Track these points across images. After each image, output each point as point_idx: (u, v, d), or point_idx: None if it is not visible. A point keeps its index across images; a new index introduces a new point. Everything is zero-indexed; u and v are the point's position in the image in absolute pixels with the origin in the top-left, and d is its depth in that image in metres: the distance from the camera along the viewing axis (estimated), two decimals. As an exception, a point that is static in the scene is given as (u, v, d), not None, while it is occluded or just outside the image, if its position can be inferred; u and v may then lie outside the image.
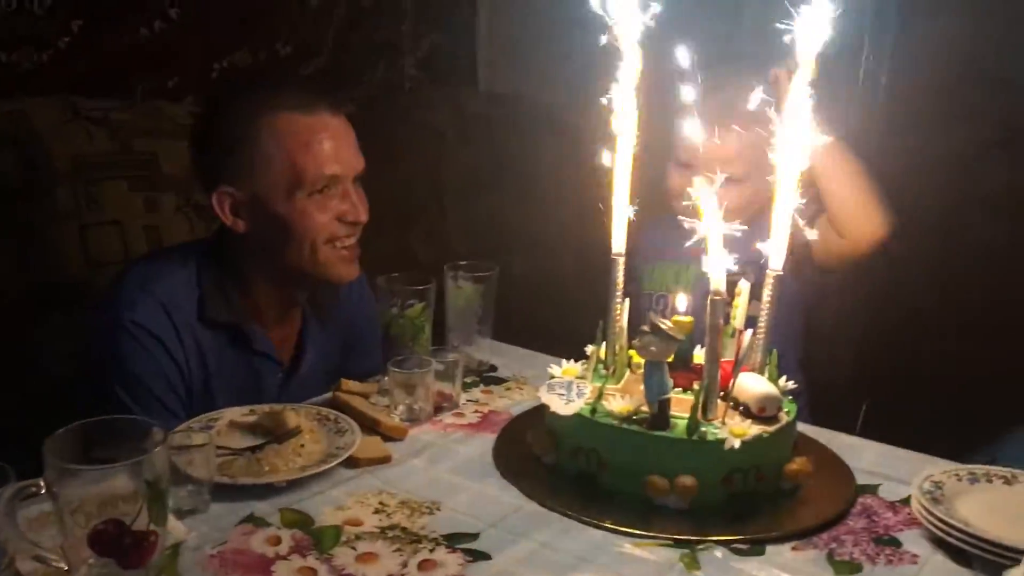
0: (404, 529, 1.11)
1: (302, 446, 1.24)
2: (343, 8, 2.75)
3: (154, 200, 2.10)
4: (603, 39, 1.28)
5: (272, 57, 2.55)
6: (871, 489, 1.25)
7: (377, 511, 1.15)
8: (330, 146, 1.45)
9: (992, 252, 2.81)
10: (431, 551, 1.07)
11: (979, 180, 2.93)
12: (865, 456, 1.34)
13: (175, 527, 1.06)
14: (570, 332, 1.45)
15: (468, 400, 1.50)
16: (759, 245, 1.22)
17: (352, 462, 1.25)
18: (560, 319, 2.26)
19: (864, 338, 2.52)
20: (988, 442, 1.64)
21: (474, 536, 1.10)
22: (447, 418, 1.43)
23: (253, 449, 1.23)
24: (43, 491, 0.93)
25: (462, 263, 1.58)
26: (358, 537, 1.09)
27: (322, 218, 1.46)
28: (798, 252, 1.36)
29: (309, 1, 2.65)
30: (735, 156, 1.71)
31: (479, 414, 1.46)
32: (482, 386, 1.57)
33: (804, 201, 1.23)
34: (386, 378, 1.44)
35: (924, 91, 2.78)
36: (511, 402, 1.51)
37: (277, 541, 1.07)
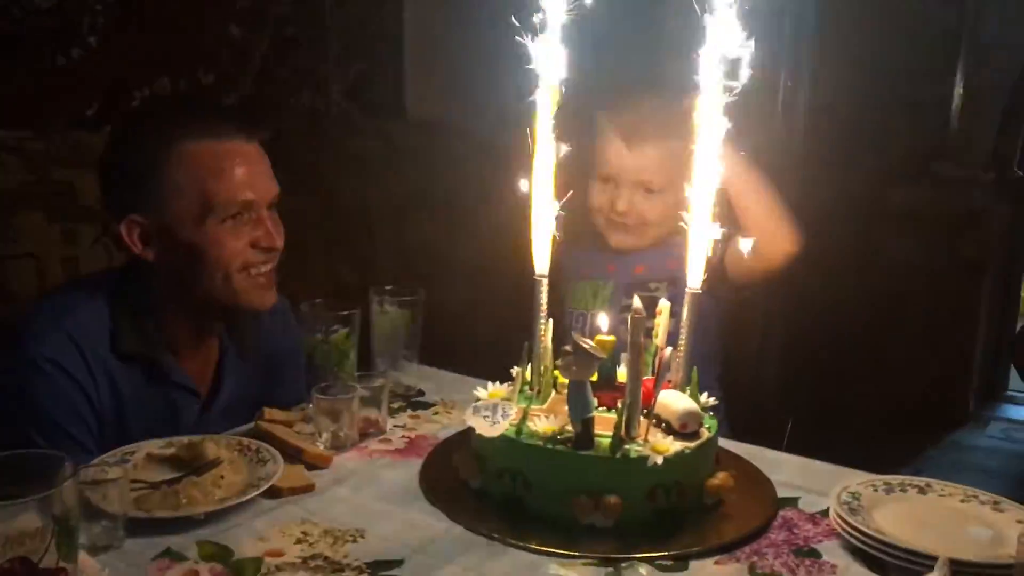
0: (327, 558, 1.09)
1: (222, 477, 1.22)
2: (267, 37, 2.73)
3: (72, 231, 2.05)
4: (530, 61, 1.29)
5: (194, 85, 2.52)
6: (791, 502, 1.28)
7: (299, 541, 1.13)
8: (242, 172, 1.43)
9: (903, 268, 2.91)
10: (354, 579, 1.05)
11: (891, 200, 3.04)
12: (785, 469, 1.37)
13: (88, 565, 1.02)
14: (499, 355, 1.46)
15: (395, 425, 1.49)
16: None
17: (274, 492, 1.22)
18: (488, 342, 2.26)
19: (787, 357, 2.58)
20: (909, 460, 1.69)
21: (399, 563, 1.09)
22: (373, 444, 1.42)
23: (170, 482, 1.20)
24: (-57, 530, 0.89)
25: (387, 287, 1.57)
26: (279, 568, 1.07)
27: (235, 245, 1.43)
28: (712, 270, 1.39)
29: (232, 29, 2.63)
30: (654, 167, 1.76)
31: (406, 439, 1.45)
32: (409, 411, 1.56)
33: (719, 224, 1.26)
34: (310, 405, 1.42)
35: (840, 116, 2.88)
36: (439, 426, 1.50)
37: (195, 575, 1.05)
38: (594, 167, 1.84)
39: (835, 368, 2.65)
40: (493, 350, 2.24)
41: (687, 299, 1.28)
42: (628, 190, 1.80)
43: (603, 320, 1.32)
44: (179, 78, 2.50)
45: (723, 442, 1.36)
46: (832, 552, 1.15)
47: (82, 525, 1.00)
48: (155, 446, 1.29)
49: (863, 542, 1.12)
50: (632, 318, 1.20)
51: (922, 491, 1.25)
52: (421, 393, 1.62)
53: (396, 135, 2.91)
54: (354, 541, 1.14)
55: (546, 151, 1.33)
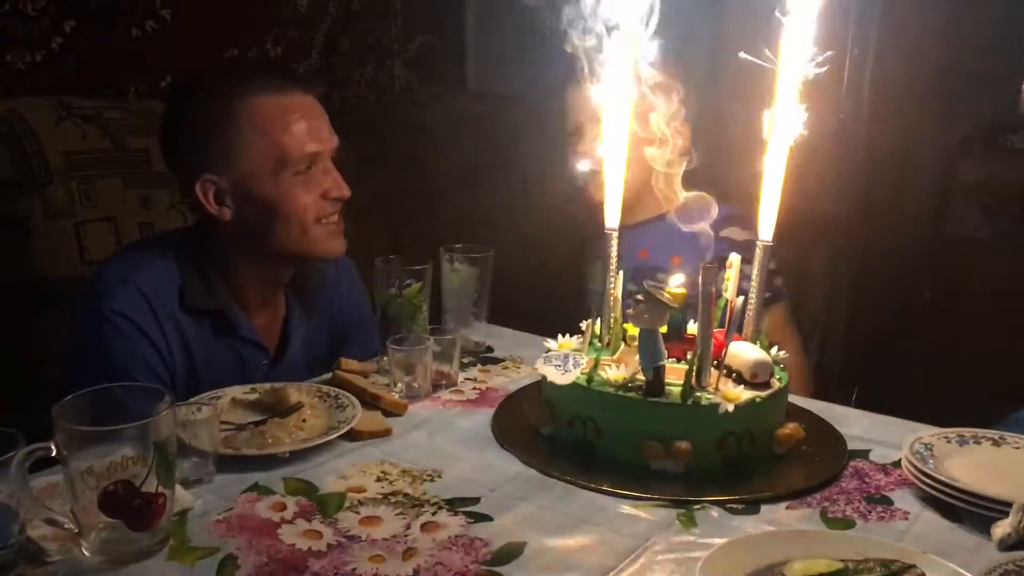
0: (406, 495, 1.13)
1: (304, 420, 1.26)
2: (333, 10, 2.78)
3: (147, 197, 2.11)
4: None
5: (262, 57, 2.58)
6: (862, 454, 1.28)
7: (379, 479, 1.17)
8: (308, 124, 1.47)
9: (974, 243, 2.86)
10: (433, 514, 1.09)
11: (962, 174, 2.98)
12: (857, 424, 1.37)
13: (182, 496, 1.08)
14: (562, 319, 1.48)
15: (466, 379, 1.52)
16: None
17: (354, 435, 1.26)
18: (551, 307, 2.29)
19: (853, 329, 2.56)
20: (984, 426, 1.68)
21: (475, 500, 1.13)
22: (445, 395, 1.45)
23: (256, 423, 1.25)
24: (53, 454, 0.95)
25: (457, 246, 1.60)
26: (361, 503, 1.11)
27: (308, 197, 1.47)
28: None
29: (299, 3, 2.68)
30: None
31: (477, 391, 1.48)
32: (479, 366, 1.59)
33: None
34: (385, 358, 1.46)
35: (909, 87, 2.83)
36: (508, 380, 1.53)
37: (282, 507, 1.09)
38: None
39: (902, 341, 2.63)
40: (555, 314, 2.26)
41: (758, 251, 1.29)
42: None
43: (677, 277, 1.33)
44: (247, 49, 2.56)
45: (792, 398, 1.36)
46: (904, 500, 1.15)
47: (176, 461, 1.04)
48: (240, 391, 1.35)
49: (936, 489, 1.12)
50: (703, 268, 1.21)
51: (996, 443, 1.25)
52: (490, 349, 1.66)
53: (457, 106, 2.93)
54: (432, 480, 1.17)
55: (618, 108, 1.34)
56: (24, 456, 0.93)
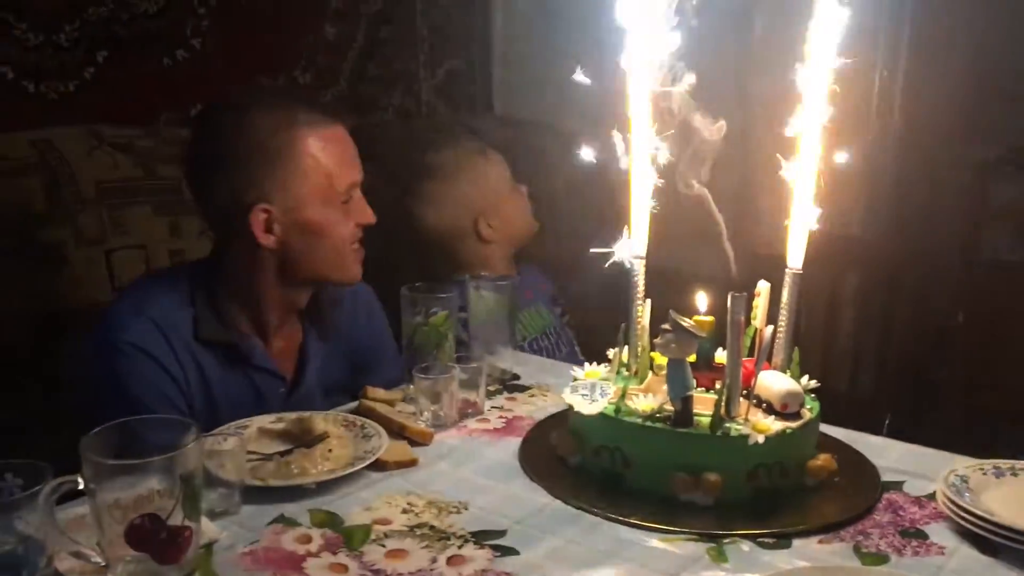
0: (432, 527, 1.12)
1: (330, 451, 1.26)
2: (361, 38, 2.80)
3: (178, 224, 2.13)
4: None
5: (291, 84, 2.60)
6: (896, 486, 1.26)
7: (405, 511, 1.16)
8: (350, 154, 1.53)
9: (1008, 265, 2.82)
10: (459, 547, 1.08)
11: (993, 195, 2.95)
12: (889, 455, 1.35)
13: (207, 527, 1.07)
14: (589, 341, 1.47)
15: (492, 407, 1.52)
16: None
17: (379, 465, 1.26)
18: (578, 329, 2.28)
19: (883, 351, 2.52)
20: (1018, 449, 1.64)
21: (501, 533, 1.12)
22: (472, 423, 1.45)
23: (282, 453, 1.24)
24: (80, 487, 0.95)
25: (483, 273, 1.60)
26: (387, 535, 1.10)
27: (348, 224, 1.53)
28: None
29: (327, 31, 2.71)
30: None
31: (503, 419, 1.47)
32: (506, 393, 1.58)
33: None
34: (411, 386, 1.45)
35: (938, 108, 2.80)
36: (535, 408, 1.52)
37: (308, 539, 1.09)
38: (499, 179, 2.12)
39: (935, 366, 2.59)
40: (583, 336, 2.26)
41: (787, 279, 1.28)
42: None
43: (702, 301, 1.32)
44: (277, 77, 2.58)
45: (826, 427, 1.34)
46: (940, 534, 1.13)
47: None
48: (266, 421, 1.35)
49: (973, 523, 1.10)
50: (732, 296, 1.20)
51: (1033, 476, 1.22)
52: (516, 377, 1.65)
53: (484, 131, 2.94)
54: (458, 512, 1.16)
55: (642, 137, 1.33)
56: (51, 489, 0.93)
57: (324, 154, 1.48)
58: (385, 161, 2.48)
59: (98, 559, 0.98)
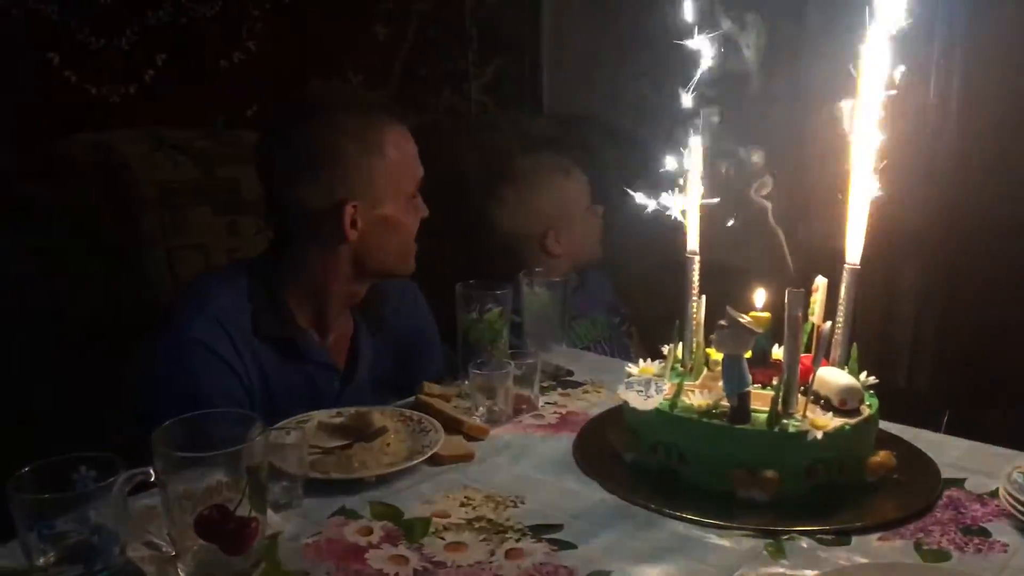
0: (490, 521, 1.14)
1: (388, 444, 1.28)
2: (410, 38, 2.83)
3: (235, 223, 2.17)
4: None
5: (344, 85, 2.63)
6: (957, 483, 1.24)
7: (463, 504, 1.18)
8: (416, 153, 1.58)
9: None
10: (517, 540, 1.09)
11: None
12: (950, 452, 1.33)
13: (272, 519, 1.10)
14: (646, 339, 1.47)
15: (546, 403, 1.53)
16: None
17: (437, 459, 1.28)
18: (638, 326, 2.28)
19: (944, 346, 2.48)
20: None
21: (558, 527, 1.13)
22: (527, 419, 1.46)
23: (343, 447, 1.27)
24: (152, 479, 0.98)
25: (537, 269, 1.61)
26: (446, 528, 1.12)
27: (415, 218, 1.60)
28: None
29: (377, 32, 2.74)
30: None
31: (558, 415, 1.48)
32: (559, 390, 1.59)
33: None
34: (466, 382, 1.47)
35: (999, 96, 2.74)
36: (589, 404, 1.53)
37: (369, 532, 1.11)
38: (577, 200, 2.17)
39: (993, 360, 2.54)
40: (641, 333, 2.25)
41: (845, 275, 1.27)
42: None
43: (760, 296, 1.32)
44: (330, 78, 2.62)
45: (885, 424, 1.33)
46: (1002, 532, 1.11)
47: (265, 484, 1.07)
48: (325, 415, 1.37)
49: (1038, 522, 1.08)
50: (789, 292, 1.20)
51: (1100, 473, 1.20)
52: (570, 373, 1.65)
53: (533, 128, 2.94)
54: (515, 506, 1.18)
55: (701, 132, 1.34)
56: (125, 481, 0.96)
57: (400, 153, 1.55)
58: (461, 160, 2.53)
59: (168, 548, 1.01)
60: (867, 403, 1.24)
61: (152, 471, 0.98)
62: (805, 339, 1.27)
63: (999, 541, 1.09)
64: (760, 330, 1.21)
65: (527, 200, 2.23)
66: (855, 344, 1.29)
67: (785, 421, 1.18)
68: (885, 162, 1.24)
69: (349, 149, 1.50)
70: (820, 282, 1.31)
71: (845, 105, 1.25)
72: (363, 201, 1.51)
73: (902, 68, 1.21)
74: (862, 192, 1.24)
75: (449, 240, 2.32)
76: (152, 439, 0.98)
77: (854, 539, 1.10)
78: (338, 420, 1.35)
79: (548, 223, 2.21)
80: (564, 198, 2.24)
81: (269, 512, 1.09)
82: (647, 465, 1.26)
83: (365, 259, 1.57)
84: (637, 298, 2.33)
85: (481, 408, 1.43)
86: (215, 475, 0.99)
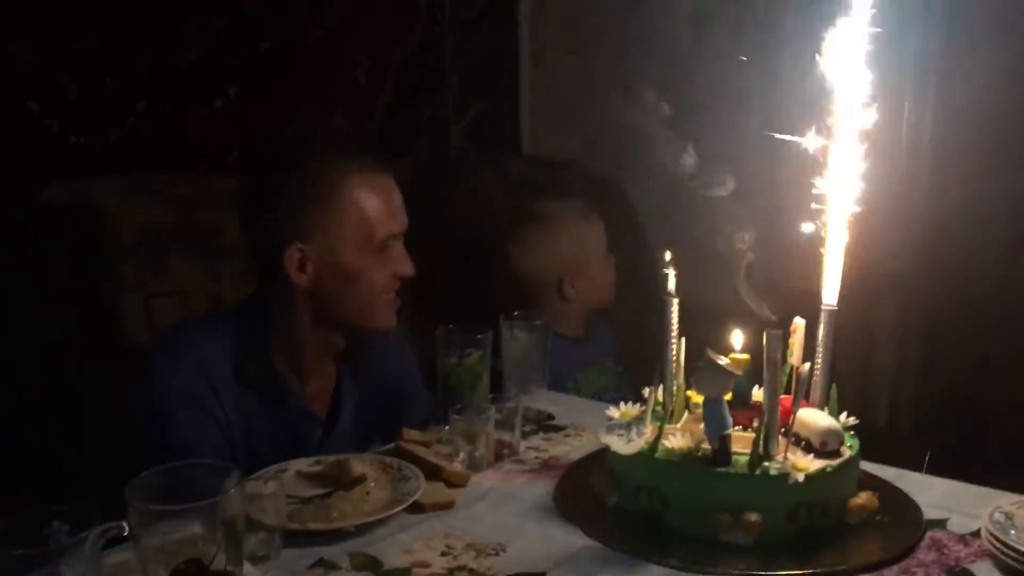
0: (471, 570, 1.12)
1: (368, 493, 1.27)
2: (391, 84, 2.85)
3: (215, 269, 2.16)
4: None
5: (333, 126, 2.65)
6: (939, 524, 1.24)
7: (444, 553, 1.16)
8: (394, 204, 1.53)
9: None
10: (499, 590, 1.08)
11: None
12: (932, 492, 1.33)
13: (249, 572, 1.08)
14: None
15: (528, 447, 1.52)
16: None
17: (417, 507, 1.26)
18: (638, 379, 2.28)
19: (924, 385, 2.49)
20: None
21: (540, 575, 1.11)
22: (508, 465, 1.45)
23: (321, 497, 1.25)
24: (125, 533, 0.96)
25: (516, 313, 1.61)
26: (427, 578, 1.10)
27: (381, 272, 1.52)
28: None
29: (359, 78, 2.76)
30: None
31: (539, 460, 1.47)
32: (541, 434, 1.58)
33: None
34: (446, 427, 1.46)
35: (970, 139, 2.78)
36: (570, 448, 1.52)
37: (348, 583, 1.09)
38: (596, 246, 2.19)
39: (975, 398, 2.55)
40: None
41: (823, 316, 1.28)
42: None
43: (738, 338, 1.32)
44: (310, 123, 2.63)
45: (864, 464, 1.33)
46: (986, 573, 1.11)
47: (242, 535, 1.05)
48: (304, 464, 1.36)
49: (1019, 561, 1.08)
50: (768, 334, 1.20)
51: (1081, 512, 1.20)
52: (551, 417, 1.65)
53: (512, 171, 2.96)
54: (496, 554, 1.16)
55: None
56: (97, 536, 0.94)
57: (368, 202, 1.50)
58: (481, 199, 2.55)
59: (143, 604, 0.98)
60: (848, 444, 1.24)
61: (126, 524, 0.96)
62: (784, 380, 1.28)
63: (983, 583, 1.09)
64: (739, 372, 1.21)
65: (545, 243, 2.25)
66: (834, 385, 1.29)
67: (766, 463, 1.18)
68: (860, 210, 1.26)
69: (302, 191, 1.48)
70: (798, 323, 1.31)
71: (820, 145, 1.27)
72: (314, 246, 1.48)
73: (875, 109, 1.23)
74: (838, 233, 1.25)
75: (443, 283, 2.33)
76: (126, 491, 0.97)
77: (838, 582, 1.10)
78: (317, 469, 1.33)
79: (564, 268, 2.22)
80: (582, 243, 2.26)
81: (246, 564, 1.07)
82: (630, 510, 1.25)
83: (326, 308, 1.53)
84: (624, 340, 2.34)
85: (462, 454, 1.42)
86: (190, 528, 0.97)
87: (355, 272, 1.50)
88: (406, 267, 1.55)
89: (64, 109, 2.17)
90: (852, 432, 1.28)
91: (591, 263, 2.26)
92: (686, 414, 1.34)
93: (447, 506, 1.29)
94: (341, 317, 1.55)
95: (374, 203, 1.50)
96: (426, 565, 1.13)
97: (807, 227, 1.29)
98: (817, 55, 1.24)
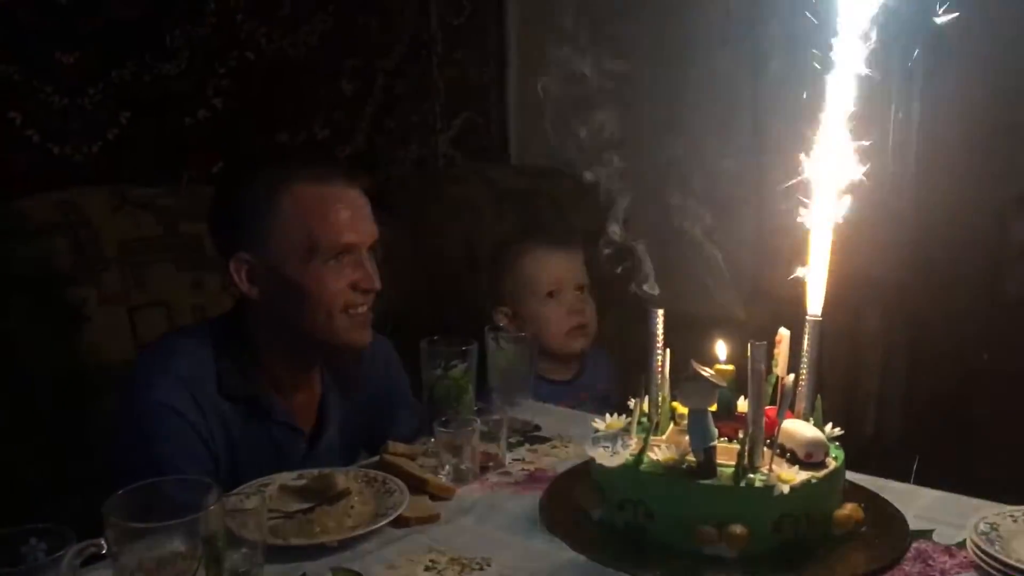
0: (456, 585, 1.11)
1: (352, 507, 1.26)
2: (378, 93, 2.84)
3: (200, 281, 2.15)
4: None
5: (310, 140, 2.64)
6: (925, 534, 1.24)
7: (428, 568, 1.16)
8: (346, 216, 1.50)
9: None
10: (483, 605, 1.07)
11: (1015, 233, 2.92)
12: (917, 502, 1.33)
13: (230, 589, 1.07)
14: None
15: (514, 459, 1.51)
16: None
17: (401, 521, 1.26)
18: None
19: (910, 395, 2.49)
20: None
21: (525, 590, 1.11)
22: (493, 477, 1.44)
23: (304, 511, 1.24)
24: (103, 551, 0.95)
25: (501, 325, 1.61)
26: (410, 594, 1.10)
27: (337, 285, 1.49)
28: None
29: (345, 87, 2.75)
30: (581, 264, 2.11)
31: (525, 472, 1.47)
32: (527, 445, 1.58)
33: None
34: (432, 440, 1.45)
35: (956, 148, 2.80)
36: (556, 460, 1.52)
37: (331, 599, 1.08)
38: (531, 289, 2.11)
39: (963, 408, 2.55)
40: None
41: (808, 327, 1.27)
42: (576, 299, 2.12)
43: (722, 349, 1.32)
44: (296, 134, 2.62)
45: (849, 474, 1.32)
46: (972, 584, 1.11)
47: (224, 551, 1.04)
48: (288, 478, 1.35)
49: (1004, 573, 1.08)
50: (752, 345, 1.20)
51: (1066, 522, 1.20)
52: (537, 428, 1.64)
53: (500, 181, 2.96)
54: (480, 569, 1.16)
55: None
56: (75, 554, 0.93)
57: (310, 211, 1.47)
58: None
59: (121, 623, 0.97)
60: (833, 455, 1.24)
61: (104, 542, 0.95)
62: (769, 392, 1.27)
63: (968, 594, 1.09)
64: (724, 383, 1.21)
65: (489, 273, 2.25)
66: (820, 395, 1.29)
67: (751, 475, 1.17)
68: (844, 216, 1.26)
69: (247, 202, 1.48)
70: (783, 334, 1.31)
71: (803, 157, 1.27)
72: (257, 257, 1.48)
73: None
74: (822, 243, 1.25)
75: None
76: (103, 509, 0.96)
77: (823, 595, 1.09)
78: (300, 483, 1.33)
79: (499, 300, 2.17)
80: (523, 277, 2.16)
81: (228, 581, 1.06)
82: (614, 522, 1.24)
83: (283, 321, 1.52)
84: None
85: (447, 466, 1.41)
86: (170, 545, 0.96)
87: (302, 284, 1.48)
88: (369, 280, 1.51)
89: (46, 120, 2.15)
90: (837, 443, 1.27)
91: (528, 300, 2.14)
92: (671, 426, 1.34)
93: (432, 520, 1.28)
94: (303, 331, 1.52)
95: (320, 213, 1.48)
96: (410, 580, 1.12)
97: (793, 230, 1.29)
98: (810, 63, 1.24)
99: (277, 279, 1.49)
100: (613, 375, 2.27)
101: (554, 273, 2.15)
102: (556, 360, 2.15)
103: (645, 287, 1.33)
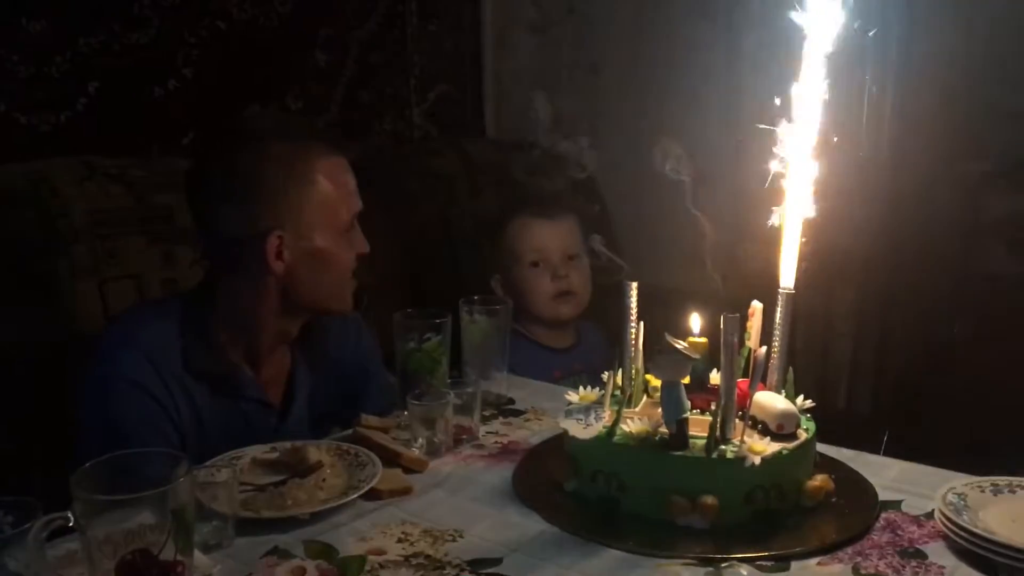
0: (428, 556, 1.11)
1: (324, 480, 1.25)
2: (351, 65, 2.81)
3: (171, 253, 2.12)
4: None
5: (283, 112, 2.60)
6: (894, 505, 1.25)
7: (400, 540, 1.15)
8: (353, 185, 1.53)
9: (1002, 279, 2.81)
10: (456, 576, 1.07)
11: (986, 210, 2.94)
12: (887, 473, 1.34)
13: (201, 561, 1.06)
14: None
15: (487, 432, 1.51)
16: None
17: (374, 494, 1.25)
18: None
19: (881, 367, 2.51)
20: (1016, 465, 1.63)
21: (498, 561, 1.11)
22: (467, 450, 1.44)
23: (276, 484, 1.24)
24: (71, 523, 0.94)
25: (475, 298, 1.60)
26: (382, 566, 1.09)
27: (349, 253, 1.53)
28: None
29: (318, 58, 2.71)
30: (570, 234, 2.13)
31: (499, 445, 1.46)
32: (501, 418, 1.58)
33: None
34: (405, 413, 1.45)
35: (929, 124, 2.81)
36: (530, 432, 1.52)
37: (302, 572, 1.08)
38: (513, 258, 2.16)
39: (930, 380, 2.58)
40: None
41: (781, 299, 1.28)
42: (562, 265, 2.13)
43: (696, 321, 1.32)
44: (268, 105, 2.59)
45: (822, 446, 1.34)
46: (939, 553, 1.12)
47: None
48: (260, 451, 1.34)
49: (971, 542, 1.09)
50: (724, 317, 1.20)
51: (1031, 492, 1.21)
52: (511, 401, 1.64)
53: (475, 154, 2.94)
54: (453, 540, 1.16)
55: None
56: (41, 526, 0.92)
57: (333, 184, 1.49)
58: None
59: (90, 596, 0.96)
60: (804, 427, 1.25)
61: (71, 515, 0.94)
62: (742, 364, 1.28)
63: (936, 563, 1.10)
64: (697, 356, 1.21)
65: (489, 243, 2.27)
66: (791, 368, 1.30)
67: (723, 447, 1.18)
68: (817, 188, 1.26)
69: (275, 177, 1.45)
70: (756, 307, 1.32)
71: (779, 128, 1.27)
72: (290, 232, 1.46)
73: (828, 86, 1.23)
74: (796, 216, 1.25)
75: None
76: (71, 482, 0.94)
77: (793, 564, 1.11)
78: (272, 456, 1.32)
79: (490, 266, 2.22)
80: (504, 249, 2.23)
81: (198, 554, 1.05)
82: (587, 494, 1.25)
83: (295, 293, 1.51)
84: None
85: (420, 439, 1.41)
86: (138, 518, 0.95)
87: (328, 255, 1.50)
88: (364, 245, 1.55)
89: (12, 89, 2.11)
90: (808, 415, 1.28)
91: (510, 268, 2.21)
92: (644, 398, 1.34)
93: (405, 492, 1.28)
94: (310, 301, 1.54)
95: (339, 185, 1.50)
96: (382, 552, 1.12)
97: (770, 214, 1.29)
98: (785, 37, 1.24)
99: (305, 252, 1.48)
100: (607, 350, 2.27)
101: (537, 242, 2.20)
102: (549, 327, 2.22)
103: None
